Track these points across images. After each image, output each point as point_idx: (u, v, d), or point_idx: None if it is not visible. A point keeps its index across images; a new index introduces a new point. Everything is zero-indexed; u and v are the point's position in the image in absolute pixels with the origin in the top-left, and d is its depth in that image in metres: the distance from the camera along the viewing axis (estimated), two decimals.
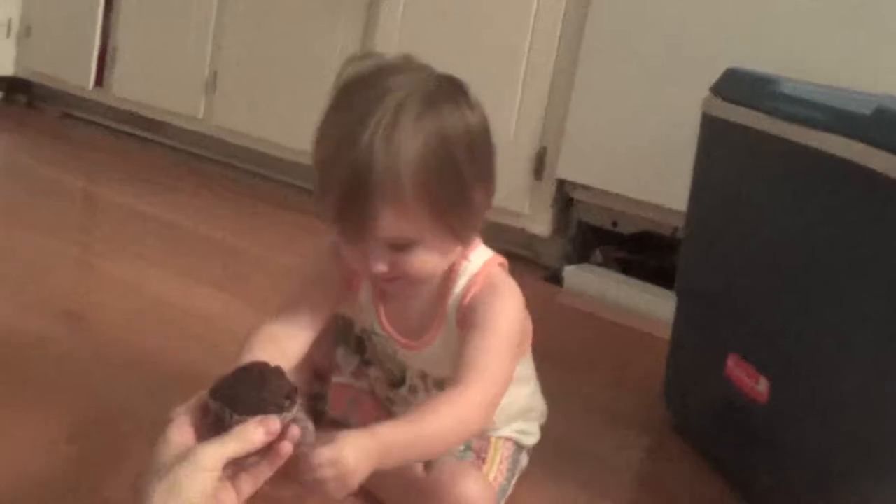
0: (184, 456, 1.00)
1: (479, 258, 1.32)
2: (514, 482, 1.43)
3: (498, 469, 1.40)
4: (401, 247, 1.20)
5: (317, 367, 1.48)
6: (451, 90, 1.22)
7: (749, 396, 1.55)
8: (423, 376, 1.39)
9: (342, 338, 1.47)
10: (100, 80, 3.83)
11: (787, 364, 1.48)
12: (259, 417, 1.05)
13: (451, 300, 1.31)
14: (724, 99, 1.70)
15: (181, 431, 1.06)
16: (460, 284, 1.30)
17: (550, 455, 1.54)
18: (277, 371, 1.11)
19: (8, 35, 4.00)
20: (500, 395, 1.26)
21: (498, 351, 1.26)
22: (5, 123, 3.87)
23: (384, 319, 1.37)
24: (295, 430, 1.08)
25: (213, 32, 3.49)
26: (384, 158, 1.13)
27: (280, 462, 1.08)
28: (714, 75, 1.76)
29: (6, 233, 2.46)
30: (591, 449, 1.68)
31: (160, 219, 2.77)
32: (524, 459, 1.48)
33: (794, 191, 1.50)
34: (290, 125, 3.25)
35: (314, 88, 3.17)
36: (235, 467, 1.06)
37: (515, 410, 1.45)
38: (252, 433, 1.04)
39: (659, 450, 1.80)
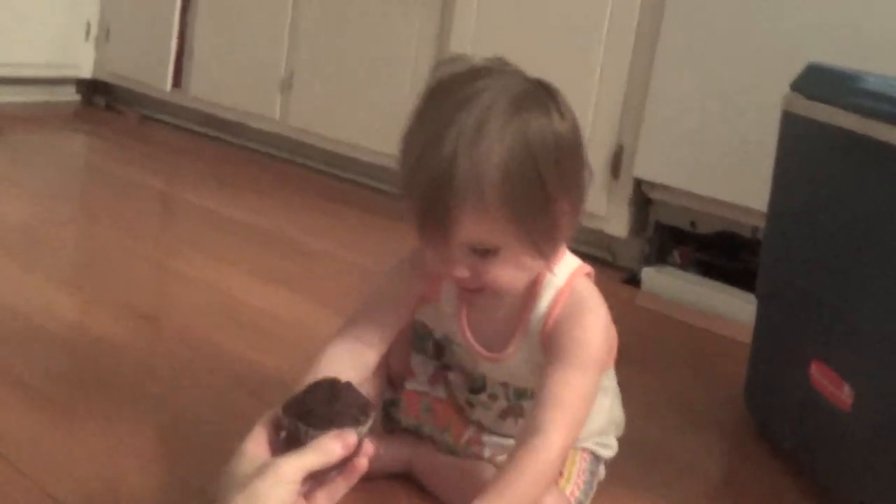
0: (263, 469, 1.00)
1: (565, 270, 1.29)
2: (591, 495, 1.40)
3: (575, 483, 1.37)
4: (482, 253, 1.18)
5: (391, 374, 1.46)
6: (541, 96, 1.19)
7: (833, 403, 1.51)
8: (505, 384, 1.37)
9: (419, 344, 1.45)
10: (177, 82, 3.86)
11: (873, 372, 1.44)
12: (335, 431, 1.05)
13: (535, 316, 1.28)
14: (805, 96, 1.66)
15: (257, 445, 1.06)
16: (545, 300, 1.28)
17: (628, 460, 1.51)
18: (349, 386, 1.11)
19: (87, 38, 4.05)
20: (580, 431, 1.25)
21: (582, 387, 1.23)
22: (85, 126, 3.91)
23: (466, 329, 1.34)
24: (369, 446, 1.08)
25: (289, 32, 3.50)
26: (468, 163, 1.11)
27: (356, 478, 1.08)
28: (795, 71, 1.72)
29: (85, 234, 2.49)
30: (669, 452, 1.65)
31: (236, 219, 2.78)
32: (601, 471, 1.45)
33: (880, 190, 1.46)
34: (366, 125, 3.25)
35: (390, 87, 3.20)
36: (311, 484, 1.06)
37: (598, 426, 1.42)
38: (330, 445, 1.04)
39: (739, 454, 1.77)
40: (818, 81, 1.66)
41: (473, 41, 2.94)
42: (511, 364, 1.32)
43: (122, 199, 2.86)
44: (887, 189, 1.44)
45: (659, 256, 2.76)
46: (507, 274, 1.21)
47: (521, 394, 1.37)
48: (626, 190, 2.71)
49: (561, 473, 1.35)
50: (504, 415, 1.39)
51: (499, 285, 1.21)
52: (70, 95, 4.24)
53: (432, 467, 1.39)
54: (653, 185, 2.68)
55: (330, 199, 3.18)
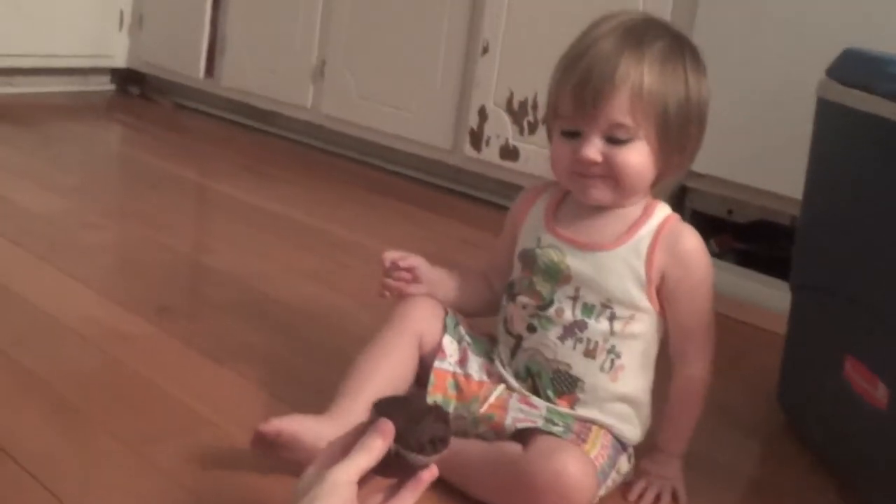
0: (321, 476, 1.06)
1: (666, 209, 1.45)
2: (612, 477, 1.39)
3: (599, 452, 1.37)
4: (617, 142, 1.33)
5: (423, 353, 1.51)
6: (696, 55, 1.39)
7: (867, 401, 1.47)
8: (575, 297, 1.40)
9: (452, 327, 1.52)
10: (210, 71, 3.85)
11: None
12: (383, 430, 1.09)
13: (647, 226, 1.40)
14: (840, 82, 1.61)
15: (320, 465, 1.10)
16: (656, 218, 1.41)
17: None
18: (439, 414, 1.14)
19: (120, 27, 4.05)
20: (713, 341, 1.48)
21: (704, 310, 1.45)
22: (119, 115, 3.90)
23: (558, 229, 1.44)
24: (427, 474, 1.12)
25: (321, 21, 3.47)
26: (633, 57, 1.31)
27: (420, 490, 1.12)
28: (833, 56, 1.67)
29: (115, 226, 2.48)
30: (700, 450, 1.60)
31: (267, 210, 2.76)
32: (624, 464, 1.43)
33: None
34: (398, 113, 3.22)
35: (422, 76, 3.16)
36: (381, 498, 1.11)
37: (630, 389, 1.44)
38: (372, 442, 1.08)
39: (771, 452, 1.73)
40: (854, 67, 1.61)
41: (505, 29, 2.90)
42: (603, 258, 1.39)
43: (155, 191, 2.84)
44: None
45: None
46: (634, 164, 1.34)
47: (589, 309, 1.40)
48: None
49: (584, 440, 1.37)
50: (564, 335, 1.41)
51: (626, 172, 1.34)
52: (104, 85, 4.25)
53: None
54: (689, 173, 2.63)
55: (363, 189, 3.15)
